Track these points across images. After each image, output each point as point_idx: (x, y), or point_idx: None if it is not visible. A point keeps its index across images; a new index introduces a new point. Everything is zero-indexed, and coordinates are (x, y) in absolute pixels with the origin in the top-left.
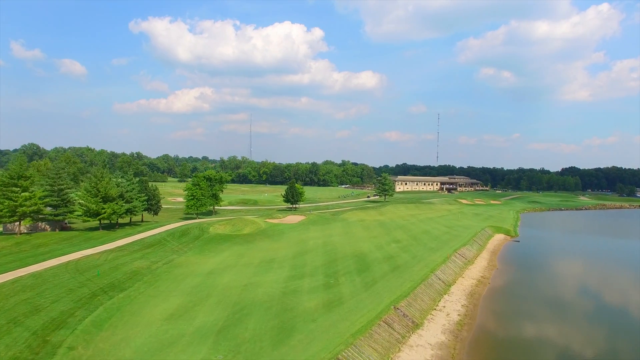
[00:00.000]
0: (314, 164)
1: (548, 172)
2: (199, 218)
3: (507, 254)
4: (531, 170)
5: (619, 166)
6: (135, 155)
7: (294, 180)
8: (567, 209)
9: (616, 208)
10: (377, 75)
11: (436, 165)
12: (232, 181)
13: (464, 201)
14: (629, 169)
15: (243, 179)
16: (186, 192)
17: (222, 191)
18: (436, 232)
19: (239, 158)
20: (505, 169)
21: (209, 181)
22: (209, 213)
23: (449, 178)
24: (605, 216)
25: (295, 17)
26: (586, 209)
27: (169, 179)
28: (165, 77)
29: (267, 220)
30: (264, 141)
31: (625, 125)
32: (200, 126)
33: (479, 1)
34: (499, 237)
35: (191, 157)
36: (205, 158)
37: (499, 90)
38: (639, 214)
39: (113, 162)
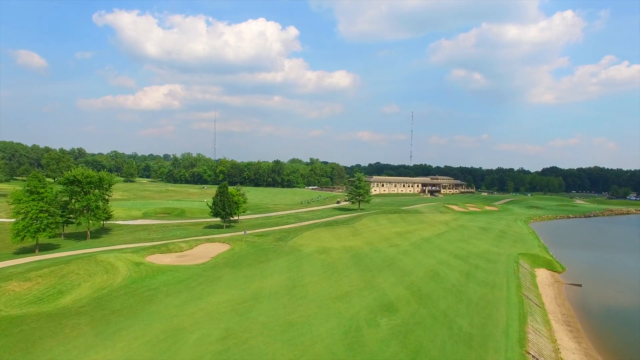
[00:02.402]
0: (277, 162)
1: (528, 172)
2: (45, 253)
3: (589, 320)
4: (510, 170)
5: (601, 166)
6: (76, 151)
7: (226, 184)
8: (575, 216)
9: (623, 214)
10: (350, 74)
11: (411, 165)
12: (186, 181)
13: (455, 207)
14: (612, 170)
15: (198, 179)
16: (13, 205)
17: (108, 198)
18: (452, 277)
19: (194, 155)
20: (483, 168)
21: (74, 185)
22: (82, 236)
23: (431, 179)
24: (627, 225)
25: (270, 15)
26: (594, 215)
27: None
28: (132, 73)
29: (150, 258)
30: (236, 140)
31: (585, 128)
32: (170, 124)
33: (452, 3)
34: (544, 276)
35: (151, 154)
36: (166, 156)
37: (470, 92)
38: None
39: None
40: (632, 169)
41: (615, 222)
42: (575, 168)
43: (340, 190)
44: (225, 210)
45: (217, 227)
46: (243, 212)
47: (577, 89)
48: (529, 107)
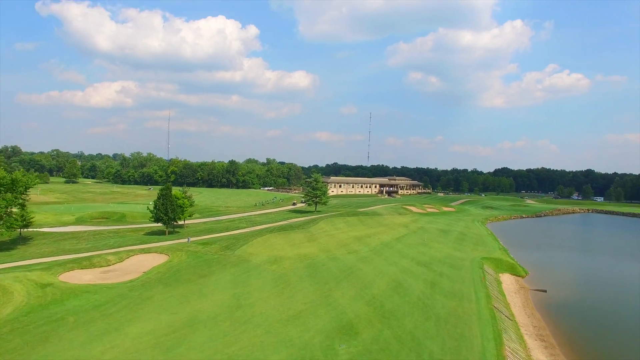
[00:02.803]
0: (232, 163)
1: (481, 172)
2: None
3: (561, 331)
4: (465, 171)
5: (547, 167)
6: (9, 149)
7: (169, 185)
8: (528, 216)
9: (569, 213)
10: (310, 75)
11: (368, 165)
12: (136, 182)
13: (413, 209)
14: (557, 170)
15: (148, 180)
16: None
17: (24, 202)
18: (416, 288)
19: (144, 155)
20: (439, 169)
21: None
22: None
23: (389, 179)
24: (575, 224)
25: (230, 13)
26: (545, 215)
27: (52, 179)
28: (82, 68)
29: (64, 276)
30: (192, 140)
31: (531, 131)
32: (122, 122)
33: (410, 8)
34: (509, 282)
35: (99, 154)
36: (116, 156)
37: (426, 94)
38: (600, 219)
39: None
40: (574, 170)
41: (564, 221)
42: (524, 169)
43: (297, 192)
44: (167, 215)
45: (160, 233)
46: (189, 216)
47: (525, 94)
48: (480, 110)
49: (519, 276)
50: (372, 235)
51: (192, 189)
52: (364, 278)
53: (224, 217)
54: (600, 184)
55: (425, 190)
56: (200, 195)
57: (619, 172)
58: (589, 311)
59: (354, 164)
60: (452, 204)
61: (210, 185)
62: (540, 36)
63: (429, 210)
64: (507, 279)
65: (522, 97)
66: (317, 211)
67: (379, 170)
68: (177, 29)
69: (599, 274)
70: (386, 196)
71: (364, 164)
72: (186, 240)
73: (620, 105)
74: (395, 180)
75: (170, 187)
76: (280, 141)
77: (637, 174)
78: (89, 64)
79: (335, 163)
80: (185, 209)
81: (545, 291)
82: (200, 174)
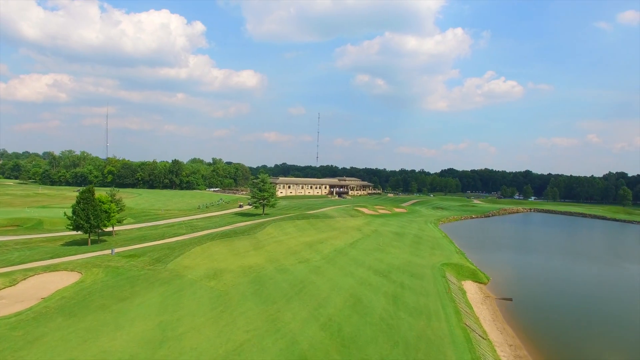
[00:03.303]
0: (175, 162)
1: (429, 173)
2: None
3: (536, 348)
4: (413, 171)
5: (490, 168)
6: None
7: (92, 187)
8: (477, 216)
9: (514, 212)
10: (258, 75)
11: (317, 166)
12: (68, 183)
13: (365, 210)
14: (498, 171)
15: (82, 180)
16: None
17: None
18: (377, 305)
19: (77, 153)
20: (387, 169)
21: None
22: None
23: (339, 180)
24: (521, 223)
25: (175, 7)
26: (492, 215)
27: None
28: (3, 57)
29: None
30: (134, 138)
31: (472, 134)
32: (55, 118)
33: (358, 11)
34: (473, 291)
35: (26, 152)
36: (47, 154)
37: (373, 96)
38: (542, 218)
39: None
40: (514, 171)
41: (510, 221)
42: (469, 170)
43: (244, 193)
44: (89, 222)
45: (82, 243)
46: (118, 222)
47: (466, 98)
48: (425, 113)
49: (481, 283)
50: (324, 240)
51: (131, 190)
52: (317, 294)
53: (161, 222)
54: (537, 184)
55: (375, 191)
56: (139, 198)
57: (553, 173)
58: (558, 318)
59: (303, 165)
60: (403, 204)
61: (152, 187)
62: (479, 44)
63: (380, 211)
64: (470, 287)
65: (463, 101)
66: (264, 214)
67: (328, 171)
68: (116, 20)
69: (557, 276)
70: (336, 197)
71: (313, 165)
72: (109, 251)
73: (549, 111)
74: (345, 180)
75: (93, 190)
76: (227, 141)
77: (569, 175)
78: (13, 53)
79: (284, 163)
80: (112, 214)
81: (511, 299)
82: (140, 175)
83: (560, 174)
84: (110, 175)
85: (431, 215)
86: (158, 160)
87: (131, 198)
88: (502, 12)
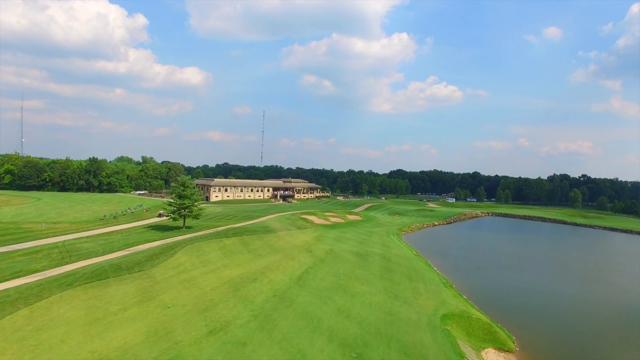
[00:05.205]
0: (93, 161)
1: (377, 174)
2: None
3: None
4: (361, 172)
5: (439, 169)
6: None
7: None
8: (440, 223)
9: (475, 217)
10: (203, 72)
11: (262, 166)
12: None
13: (315, 219)
14: (447, 172)
15: None
16: None
17: None
18: None
19: None
20: (334, 170)
21: None
22: None
23: (284, 182)
24: (491, 230)
25: None
26: (454, 220)
27: None
28: None
29: None
30: (65, 135)
31: (415, 136)
32: None
33: (305, 10)
34: None
35: None
36: None
37: (319, 97)
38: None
39: None
40: (462, 173)
41: (475, 227)
42: (417, 171)
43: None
44: None
45: None
46: None
47: (409, 101)
48: (370, 114)
49: (507, 351)
50: (259, 273)
51: (33, 193)
52: None
53: (27, 245)
54: (485, 185)
55: (324, 194)
56: (32, 204)
57: (492, 174)
58: None
59: (246, 165)
60: (356, 210)
61: (64, 189)
62: (423, 50)
63: (332, 220)
64: None
65: (407, 104)
66: (186, 227)
67: (272, 171)
68: (42, 5)
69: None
70: (281, 201)
71: (257, 165)
72: None
73: (485, 116)
74: (291, 182)
75: None
76: (169, 140)
77: (517, 177)
78: None
79: (226, 163)
80: None
81: None
82: (49, 175)
83: (505, 175)
84: (8, 176)
85: (390, 224)
86: (69, 158)
87: (22, 204)
88: (444, 19)
